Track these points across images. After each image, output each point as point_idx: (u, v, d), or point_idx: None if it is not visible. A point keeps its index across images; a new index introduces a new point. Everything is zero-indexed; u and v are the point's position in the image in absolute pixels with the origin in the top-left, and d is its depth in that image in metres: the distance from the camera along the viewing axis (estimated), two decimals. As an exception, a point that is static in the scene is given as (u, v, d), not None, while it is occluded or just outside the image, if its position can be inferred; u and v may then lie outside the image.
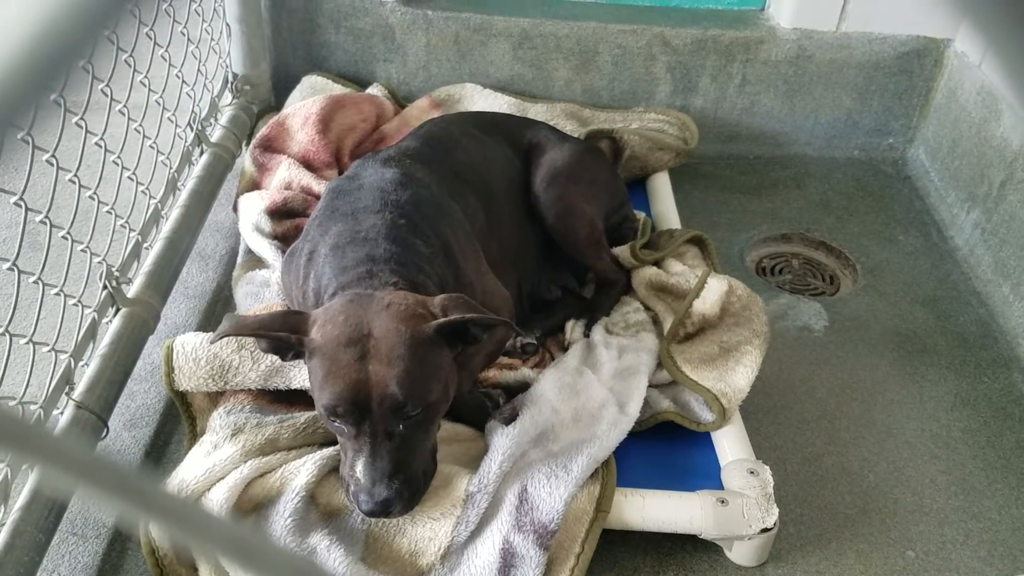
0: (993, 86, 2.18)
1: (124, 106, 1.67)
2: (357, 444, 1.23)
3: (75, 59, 0.28)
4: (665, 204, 2.14)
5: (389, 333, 1.22)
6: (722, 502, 1.37)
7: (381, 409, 1.21)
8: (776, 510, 1.38)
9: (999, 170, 2.10)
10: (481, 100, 2.38)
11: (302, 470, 1.33)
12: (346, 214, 1.46)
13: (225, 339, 1.48)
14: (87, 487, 0.31)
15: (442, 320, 1.25)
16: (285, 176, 1.97)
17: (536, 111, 2.32)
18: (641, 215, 2.00)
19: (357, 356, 1.22)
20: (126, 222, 1.70)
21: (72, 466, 0.30)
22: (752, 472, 1.42)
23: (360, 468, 1.23)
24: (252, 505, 1.31)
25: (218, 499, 1.28)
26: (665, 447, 1.52)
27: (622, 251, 1.80)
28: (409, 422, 1.23)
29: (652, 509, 1.37)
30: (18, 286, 1.31)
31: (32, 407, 1.35)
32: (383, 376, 1.21)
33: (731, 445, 1.49)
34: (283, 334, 1.26)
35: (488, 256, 1.60)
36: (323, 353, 1.24)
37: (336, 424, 1.24)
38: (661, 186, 2.22)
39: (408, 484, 1.24)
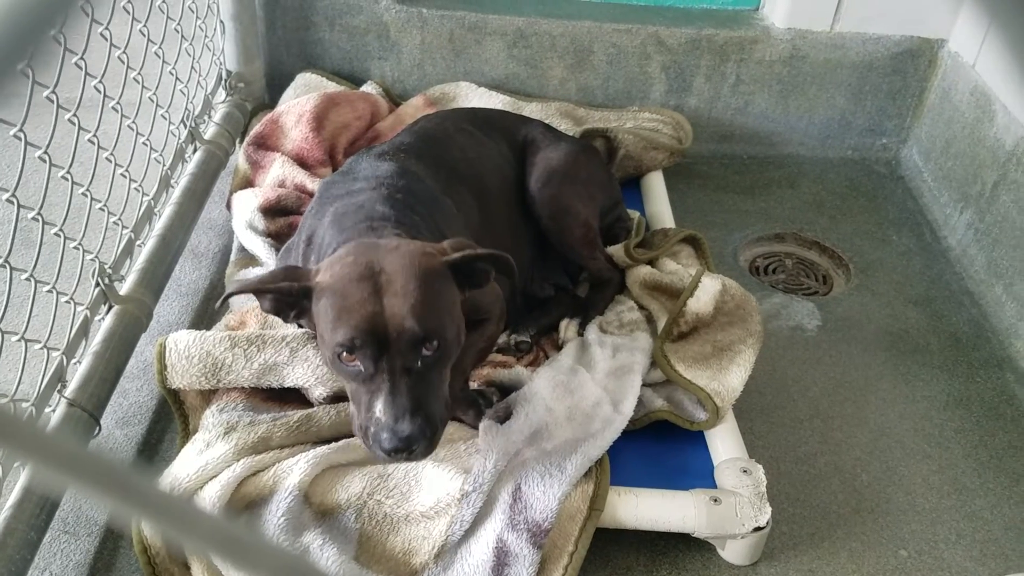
0: (987, 86, 2.18)
1: (117, 103, 1.66)
2: (374, 384, 1.21)
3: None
4: (659, 203, 2.14)
5: (402, 268, 1.22)
6: (715, 501, 1.37)
7: (399, 343, 1.20)
8: (769, 509, 1.38)
9: (992, 170, 2.11)
10: (475, 99, 2.37)
11: (295, 469, 1.32)
12: (341, 195, 1.47)
13: (218, 338, 1.48)
14: (79, 483, 0.31)
15: (453, 255, 1.26)
16: (279, 174, 1.97)
17: (531, 110, 2.32)
18: (635, 214, 2.01)
19: (370, 291, 1.21)
20: (119, 219, 1.69)
21: (64, 462, 0.30)
22: (745, 471, 1.42)
23: (380, 406, 1.19)
24: (245, 504, 1.30)
25: (211, 497, 1.28)
26: (659, 446, 1.52)
27: (616, 250, 1.80)
28: (426, 360, 1.22)
29: (645, 508, 1.37)
30: (10, 283, 1.31)
31: (24, 404, 1.34)
32: (399, 308, 1.20)
33: (724, 444, 1.49)
34: (285, 284, 1.25)
35: None
36: (333, 291, 1.22)
37: (350, 366, 1.22)
38: (655, 185, 2.23)
39: (429, 423, 1.20)
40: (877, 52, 2.42)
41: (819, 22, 2.39)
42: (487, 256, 1.31)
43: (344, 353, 1.21)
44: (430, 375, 1.23)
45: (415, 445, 1.19)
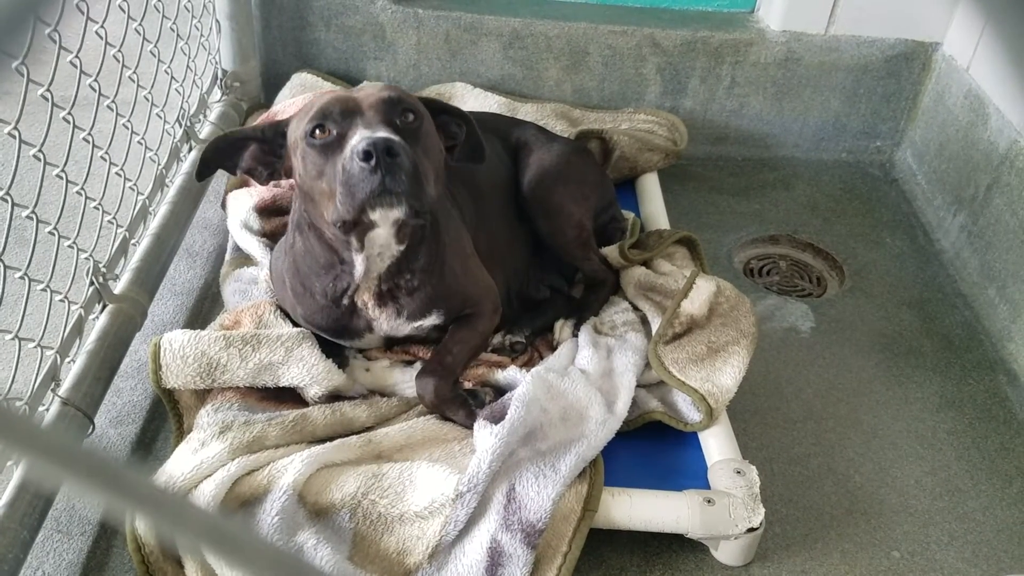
0: (980, 90, 2.19)
1: (112, 102, 1.66)
2: (347, 139, 1.22)
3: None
4: (654, 205, 2.15)
5: (375, 84, 1.34)
6: (709, 502, 1.38)
7: (372, 109, 1.23)
8: (762, 510, 1.38)
9: (986, 173, 2.12)
10: (471, 99, 2.38)
11: (289, 468, 1.32)
12: None
13: (212, 337, 1.48)
14: (74, 479, 0.31)
15: (425, 96, 1.39)
16: (274, 173, 1.97)
17: (526, 111, 2.32)
18: (630, 215, 2.01)
19: (345, 93, 1.29)
20: (113, 218, 1.69)
21: (59, 458, 0.30)
22: (739, 472, 1.43)
23: (355, 137, 1.20)
24: (239, 503, 1.30)
25: (205, 496, 1.28)
26: (652, 447, 1.53)
27: (611, 251, 1.80)
28: (405, 125, 1.24)
29: (639, 508, 1.37)
30: (4, 282, 1.30)
31: (18, 403, 1.34)
32: (371, 91, 1.27)
33: (718, 445, 1.49)
34: (261, 126, 1.34)
35: (476, 249, 1.61)
36: (307, 108, 1.29)
37: (321, 141, 1.24)
38: (650, 187, 2.23)
39: (409, 154, 1.20)
40: (872, 55, 2.43)
41: (814, 25, 2.39)
42: (457, 112, 1.41)
43: (316, 130, 1.24)
44: (412, 141, 1.25)
45: (396, 148, 1.18)
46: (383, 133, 1.19)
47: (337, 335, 1.54)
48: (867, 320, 2.01)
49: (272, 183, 1.93)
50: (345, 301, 1.47)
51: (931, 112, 2.43)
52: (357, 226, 1.29)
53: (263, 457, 1.36)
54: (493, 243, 1.69)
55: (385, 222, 1.30)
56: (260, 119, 2.13)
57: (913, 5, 2.35)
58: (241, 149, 1.38)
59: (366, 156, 1.17)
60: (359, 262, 1.41)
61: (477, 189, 1.70)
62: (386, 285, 1.46)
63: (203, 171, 1.42)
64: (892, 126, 2.56)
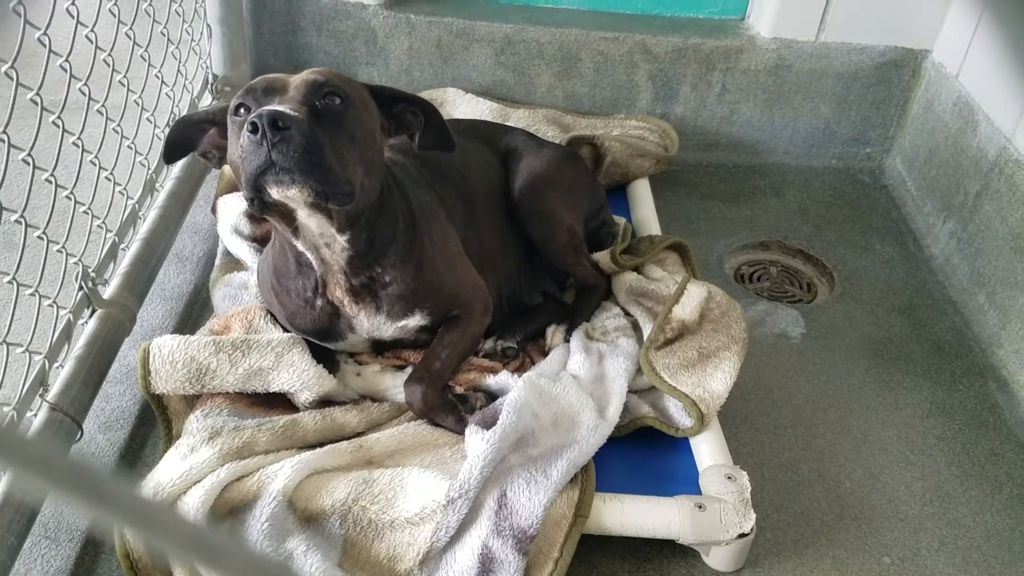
0: (970, 97, 2.20)
1: (102, 106, 1.65)
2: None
3: None
4: (646, 210, 2.15)
5: (312, 70, 1.31)
6: (700, 507, 1.38)
7: (295, 89, 1.23)
8: (753, 516, 1.38)
9: (975, 180, 2.13)
10: (463, 104, 2.38)
11: (279, 474, 1.31)
12: None
13: (202, 342, 1.47)
14: (60, 490, 0.30)
15: (373, 84, 1.37)
16: (265, 178, 1.96)
17: (518, 116, 2.32)
18: (622, 220, 2.01)
19: (280, 75, 1.28)
20: (103, 223, 1.68)
21: (42, 468, 0.30)
22: (730, 477, 1.43)
23: (251, 116, 1.17)
24: (228, 509, 1.30)
25: (194, 503, 1.27)
26: (644, 452, 1.52)
27: (603, 256, 1.81)
28: (329, 108, 1.23)
29: (630, 514, 1.37)
30: (-8, 286, 1.29)
31: (5, 408, 1.33)
32: (304, 73, 1.27)
33: (709, 450, 1.50)
34: (208, 110, 1.36)
35: (467, 253, 1.61)
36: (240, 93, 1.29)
37: (241, 118, 1.24)
38: (642, 192, 2.23)
39: (303, 127, 1.15)
40: (861, 62, 2.44)
41: (804, 32, 2.41)
42: (413, 99, 1.39)
43: (241, 108, 1.25)
44: (333, 125, 1.22)
45: (284, 120, 1.13)
46: (280, 107, 1.16)
47: (320, 337, 1.53)
48: (857, 326, 2.02)
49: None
50: (319, 301, 1.46)
51: (921, 119, 2.44)
52: (267, 207, 1.25)
53: (253, 463, 1.35)
54: (484, 248, 1.69)
55: (293, 203, 1.25)
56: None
57: (903, 13, 2.36)
58: (202, 132, 1.38)
59: (253, 128, 1.14)
60: (307, 251, 1.38)
61: (468, 193, 1.70)
62: (356, 280, 1.43)
63: (169, 154, 1.41)
64: (882, 133, 2.57)
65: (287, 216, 1.31)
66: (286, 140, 1.14)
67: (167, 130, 2.01)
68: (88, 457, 1.57)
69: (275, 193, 1.20)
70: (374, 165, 1.32)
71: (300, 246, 1.38)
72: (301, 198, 1.22)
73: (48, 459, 0.30)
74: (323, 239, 1.36)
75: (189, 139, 1.41)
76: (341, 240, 1.37)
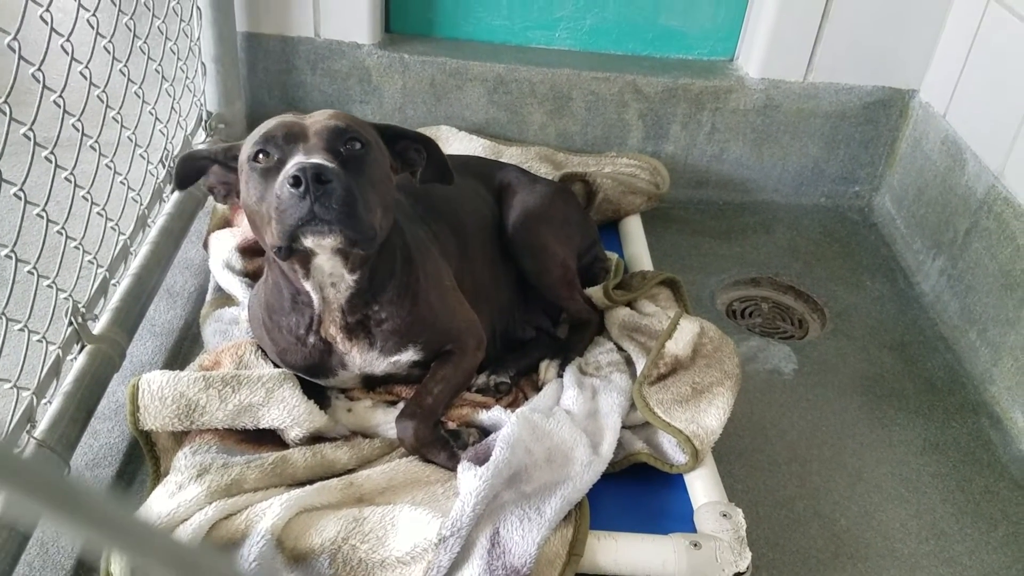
0: (957, 136, 2.23)
1: (96, 142, 1.66)
2: (286, 164, 1.22)
3: None
4: (637, 246, 2.16)
5: (326, 111, 1.33)
6: (695, 545, 1.36)
7: (317, 136, 1.24)
8: (749, 554, 1.37)
9: (964, 218, 2.15)
10: (456, 142, 2.39)
11: (268, 512, 1.29)
12: None
13: (192, 378, 1.46)
14: (52, 511, 0.30)
15: (379, 122, 1.39)
16: (258, 214, 1.96)
17: (511, 154, 2.34)
18: (614, 256, 2.02)
19: (294, 119, 1.29)
20: (94, 258, 1.67)
21: (37, 488, 0.29)
22: (725, 515, 1.41)
23: (290, 164, 1.20)
24: (216, 547, 1.27)
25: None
26: (638, 489, 1.51)
27: (595, 292, 1.81)
28: (351, 153, 1.25)
29: (625, 552, 1.35)
30: (-20, 321, 1.28)
31: (-10, 445, 1.31)
32: (319, 117, 1.28)
33: (704, 487, 1.48)
34: (216, 146, 1.36)
35: (461, 288, 1.61)
36: (255, 132, 1.30)
37: (261, 165, 1.24)
38: (633, 229, 2.24)
39: (343, 181, 1.19)
40: (849, 102, 2.48)
41: (792, 72, 2.44)
42: (413, 135, 1.41)
43: (260, 154, 1.25)
44: (356, 172, 1.24)
45: (327, 174, 1.16)
46: (317, 159, 1.19)
47: (311, 373, 1.52)
48: (849, 362, 2.02)
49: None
50: (312, 338, 1.45)
51: (909, 158, 2.47)
52: (294, 253, 1.27)
53: (241, 500, 1.33)
54: (477, 282, 1.69)
55: (322, 250, 1.29)
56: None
57: (890, 54, 2.40)
58: (204, 168, 1.40)
59: (296, 182, 1.17)
60: (312, 291, 1.39)
61: (461, 229, 1.71)
62: (352, 317, 1.43)
63: (181, 183, 1.44)
64: (870, 171, 2.60)
65: (306, 259, 1.33)
66: (328, 194, 1.17)
67: (173, 163, 2.03)
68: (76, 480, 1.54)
69: (310, 242, 1.23)
70: (390, 206, 1.34)
71: (307, 286, 1.38)
72: (333, 246, 1.25)
73: (41, 479, 0.29)
74: (331, 279, 1.37)
75: (196, 172, 1.42)
76: (349, 279, 1.38)
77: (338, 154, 1.24)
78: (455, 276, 1.61)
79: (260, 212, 1.26)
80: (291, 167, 1.18)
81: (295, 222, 1.19)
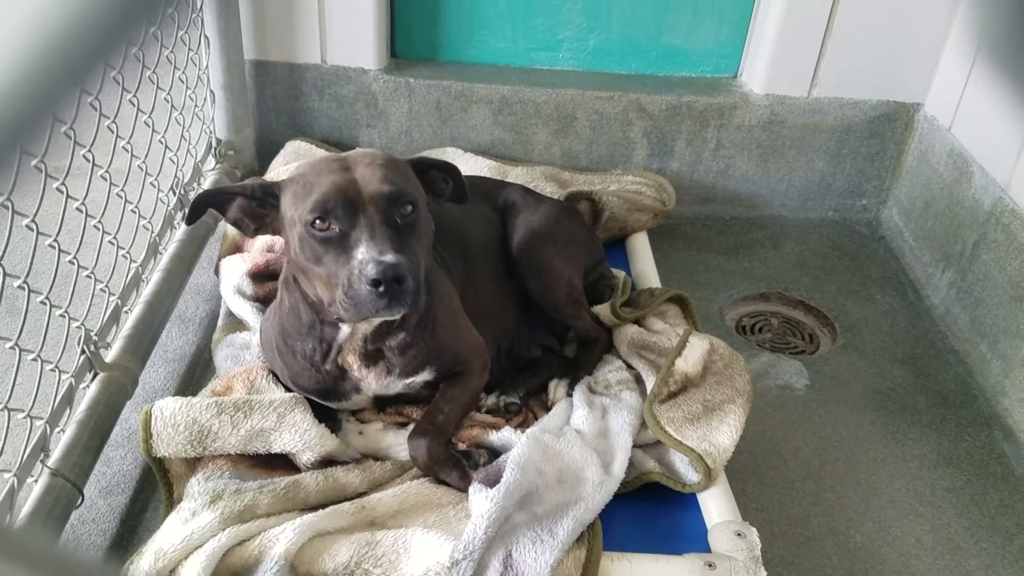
0: (963, 148, 2.23)
1: (106, 171, 1.67)
2: (351, 239, 1.25)
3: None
4: (645, 263, 2.16)
5: (367, 154, 1.34)
6: (710, 566, 1.35)
7: (374, 203, 1.26)
8: (764, 573, 1.36)
9: (972, 230, 2.14)
10: (462, 164, 2.40)
11: (281, 537, 1.30)
12: None
13: (204, 404, 1.46)
14: None
15: (412, 157, 1.42)
16: (268, 239, 1.97)
17: (516, 174, 2.35)
18: (621, 274, 2.02)
19: (339, 168, 1.30)
20: (106, 286, 1.68)
21: (33, 560, 0.29)
22: (739, 534, 1.40)
23: (363, 247, 1.23)
24: (230, 574, 1.27)
25: (195, 568, 1.25)
26: (651, 509, 1.50)
27: (603, 309, 1.81)
28: (404, 219, 1.28)
29: (639, 574, 1.35)
30: (-6, 351, 1.29)
31: (5, 475, 1.32)
32: (370, 175, 1.29)
33: (717, 506, 1.48)
34: (251, 183, 1.36)
35: (465, 308, 1.61)
36: (301, 175, 1.32)
37: (323, 233, 1.26)
38: (640, 246, 2.25)
39: (413, 272, 1.24)
40: (854, 116, 2.48)
41: (797, 88, 2.45)
42: (440, 164, 1.46)
43: (317, 220, 1.26)
44: (410, 237, 1.29)
45: (401, 271, 1.21)
46: (391, 257, 1.22)
47: (324, 397, 1.53)
48: (861, 377, 2.01)
49: (266, 249, 1.95)
50: (328, 365, 1.47)
51: (915, 171, 2.47)
52: None
53: (254, 526, 1.33)
54: (483, 302, 1.70)
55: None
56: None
57: (893, 68, 2.41)
58: (229, 202, 1.40)
59: (375, 283, 1.22)
60: (345, 328, 1.42)
61: (466, 249, 1.71)
62: (372, 345, 1.46)
63: (192, 219, 1.44)
64: (877, 185, 2.60)
65: None
66: (404, 291, 1.24)
67: (184, 191, 2.05)
68: (89, 523, 1.55)
69: (377, 318, 1.33)
70: (430, 250, 1.40)
71: (344, 324, 1.41)
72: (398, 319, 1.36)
73: (36, 549, 0.29)
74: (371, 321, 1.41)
75: (215, 207, 1.43)
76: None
77: (396, 225, 1.28)
78: (460, 296, 1.62)
79: (316, 272, 1.30)
80: (368, 264, 1.22)
81: (370, 312, 1.25)
